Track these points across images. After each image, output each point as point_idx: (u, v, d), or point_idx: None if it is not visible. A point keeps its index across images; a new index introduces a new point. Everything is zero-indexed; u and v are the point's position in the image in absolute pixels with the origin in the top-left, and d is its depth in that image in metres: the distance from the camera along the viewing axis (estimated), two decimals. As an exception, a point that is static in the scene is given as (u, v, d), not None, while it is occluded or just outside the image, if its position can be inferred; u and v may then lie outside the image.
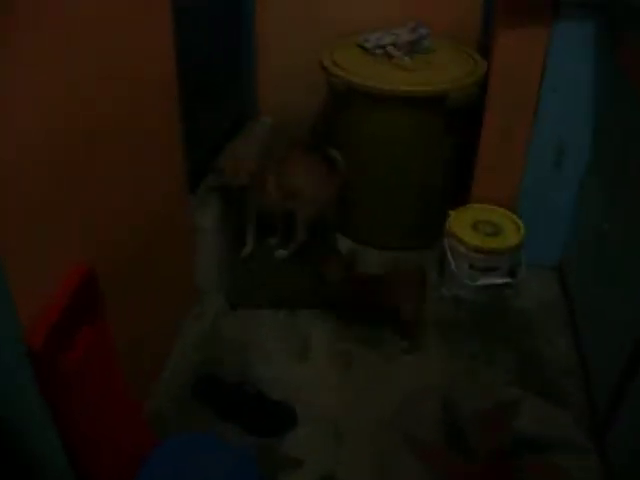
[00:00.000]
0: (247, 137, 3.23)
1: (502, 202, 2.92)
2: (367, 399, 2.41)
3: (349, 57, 2.93)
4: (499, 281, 2.80)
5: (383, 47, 2.96)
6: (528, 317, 2.80)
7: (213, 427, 2.24)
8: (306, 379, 2.46)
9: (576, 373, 2.54)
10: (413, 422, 2.31)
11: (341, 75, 2.79)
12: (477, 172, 2.92)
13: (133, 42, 1.90)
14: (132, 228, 2.03)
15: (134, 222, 2.04)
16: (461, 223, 2.83)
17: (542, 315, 2.81)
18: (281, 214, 2.86)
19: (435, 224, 2.98)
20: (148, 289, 2.18)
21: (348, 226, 3.20)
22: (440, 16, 3.10)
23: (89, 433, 1.70)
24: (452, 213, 2.89)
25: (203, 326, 2.66)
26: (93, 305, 1.72)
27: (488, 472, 2.17)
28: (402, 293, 2.52)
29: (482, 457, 2.20)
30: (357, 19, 3.15)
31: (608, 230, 2.42)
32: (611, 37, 2.45)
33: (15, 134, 1.37)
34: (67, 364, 1.58)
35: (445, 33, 3.12)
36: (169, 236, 2.33)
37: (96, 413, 1.73)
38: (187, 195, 2.54)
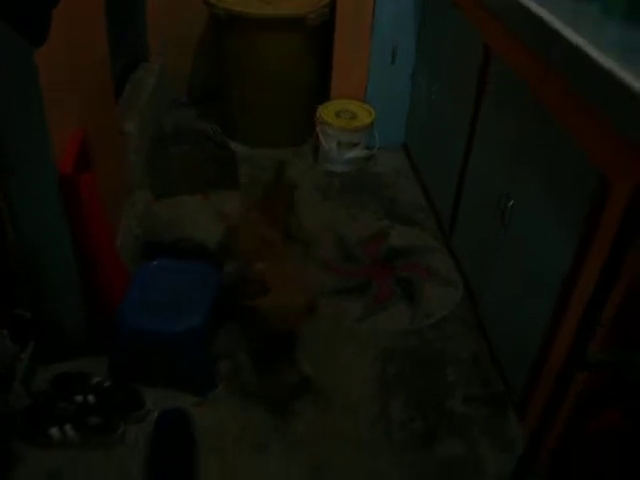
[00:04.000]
0: (137, 85, 3.74)
1: (355, 96, 3.79)
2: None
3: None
4: (360, 154, 3.67)
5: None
6: (386, 179, 3.70)
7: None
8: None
9: (426, 209, 3.46)
10: (318, 251, 3.13)
11: (221, 5, 3.53)
12: (334, 75, 3.78)
13: None
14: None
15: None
16: (327, 113, 3.68)
17: (396, 177, 3.73)
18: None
19: (308, 122, 3.82)
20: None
21: (238, 132, 3.95)
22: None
23: (94, 248, 2.39)
24: (320, 107, 3.73)
25: (138, 211, 3.32)
26: (88, 159, 2.41)
27: (373, 272, 3.03)
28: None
29: (368, 264, 3.06)
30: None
31: (434, 99, 3.34)
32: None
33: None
34: (84, 189, 2.27)
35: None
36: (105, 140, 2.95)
37: (97, 234, 2.42)
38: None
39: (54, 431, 2.26)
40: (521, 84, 2.24)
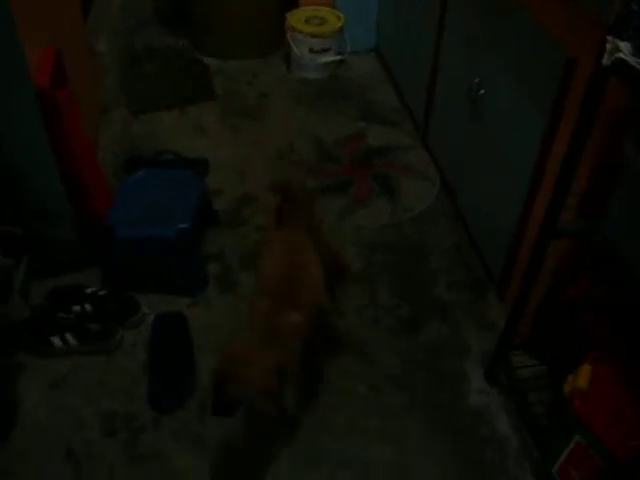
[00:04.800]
0: (104, 4, 3.64)
1: (324, 2, 3.77)
2: (257, 150, 3.25)
3: None
4: (332, 59, 3.69)
5: None
6: (359, 82, 3.73)
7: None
8: (208, 145, 3.24)
9: (401, 110, 3.51)
10: (295, 154, 3.18)
11: None
12: (301, -19, 3.75)
13: None
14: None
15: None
16: (297, 20, 3.67)
17: (369, 80, 3.75)
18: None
19: (278, 31, 3.81)
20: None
21: (208, 46, 3.93)
22: None
23: (77, 162, 2.42)
24: (288, 14, 3.72)
25: (115, 129, 3.34)
26: (64, 76, 2.43)
27: (351, 171, 3.09)
28: None
29: (346, 164, 3.12)
30: None
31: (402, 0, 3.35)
32: None
33: None
34: (62, 104, 2.29)
35: None
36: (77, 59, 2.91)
37: (79, 148, 2.44)
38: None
39: (55, 340, 2.34)
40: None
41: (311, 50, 3.60)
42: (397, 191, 2.94)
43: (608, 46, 1.36)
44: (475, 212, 2.61)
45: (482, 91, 2.36)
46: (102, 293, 2.46)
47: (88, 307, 2.40)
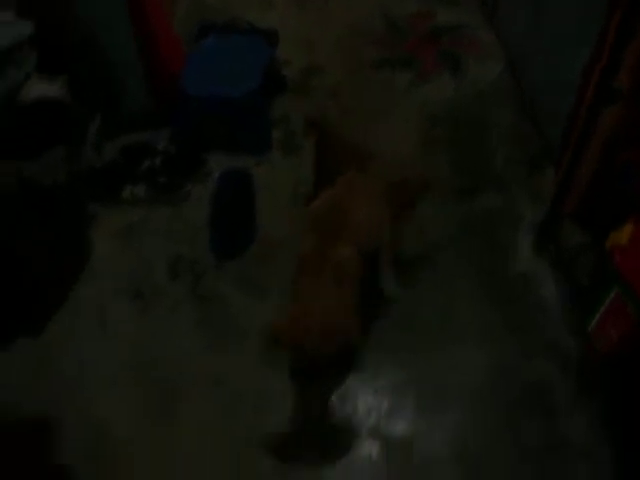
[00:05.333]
0: None
1: None
2: (324, 24, 3.28)
3: None
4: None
5: None
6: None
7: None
8: (277, 18, 3.27)
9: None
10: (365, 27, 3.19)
11: None
12: None
13: None
14: None
15: None
16: None
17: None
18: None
19: None
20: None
21: None
22: None
23: (151, 21, 2.51)
24: None
25: (189, 1, 3.39)
26: None
27: (418, 46, 3.10)
28: None
29: (413, 39, 3.13)
30: None
31: None
32: None
33: None
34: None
35: None
36: None
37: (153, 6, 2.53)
38: None
39: (126, 191, 2.49)
40: None
41: None
42: (462, 68, 2.95)
43: None
44: (537, 88, 2.62)
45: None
46: (172, 150, 2.58)
47: (158, 162, 2.54)
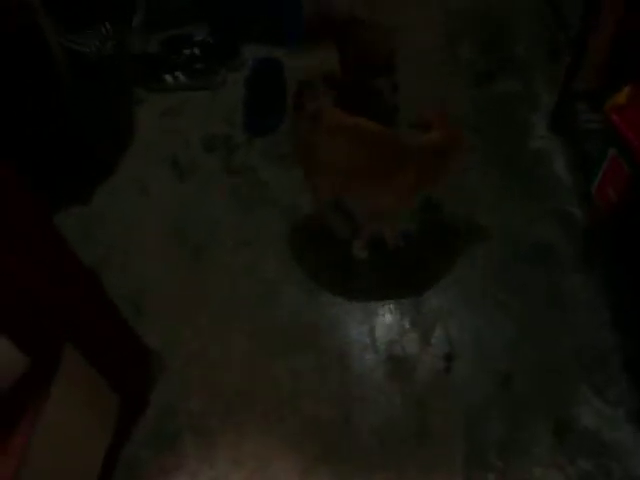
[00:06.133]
0: None
1: None
2: None
3: None
4: None
5: None
6: None
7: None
8: None
9: None
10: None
11: None
12: None
13: None
14: None
15: None
16: None
17: None
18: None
19: None
20: None
21: None
22: None
23: None
24: None
25: None
26: None
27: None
28: None
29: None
30: None
31: None
32: None
33: None
34: None
35: None
36: None
37: None
38: None
39: (167, 77, 2.68)
40: None
41: None
42: None
43: None
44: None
45: None
46: (210, 41, 2.75)
47: (197, 51, 2.71)
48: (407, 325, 1.99)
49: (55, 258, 1.39)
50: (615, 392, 1.81)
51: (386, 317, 2.03)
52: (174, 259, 2.19)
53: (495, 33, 2.77)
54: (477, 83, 2.60)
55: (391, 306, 2.05)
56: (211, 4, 2.78)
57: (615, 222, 2.01)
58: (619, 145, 1.87)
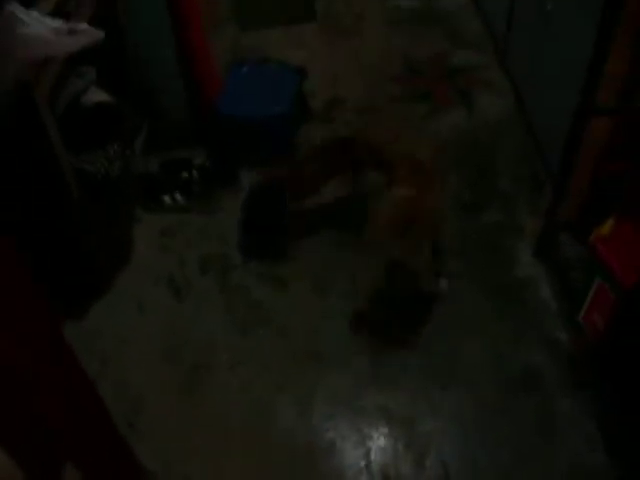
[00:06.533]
0: None
1: None
2: (349, 62, 3.60)
3: None
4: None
5: None
6: (448, 10, 3.98)
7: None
8: (306, 57, 3.57)
9: (485, 36, 3.76)
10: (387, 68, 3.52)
11: None
12: None
13: None
14: None
15: None
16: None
17: (458, 9, 4.01)
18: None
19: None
20: None
21: None
22: None
23: (194, 48, 2.83)
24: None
25: (226, 41, 3.72)
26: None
27: (434, 83, 3.41)
28: None
29: (429, 77, 3.45)
30: None
31: None
32: None
33: None
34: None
35: None
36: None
37: (196, 34, 2.86)
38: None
39: (166, 197, 2.78)
40: None
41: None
42: (475, 103, 3.23)
43: None
44: (543, 120, 2.87)
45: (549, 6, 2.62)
46: (208, 165, 2.88)
47: (195, 174, 2.83)
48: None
49: (70, 380, 1.41)
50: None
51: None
52: (169, 377, 2.22)
53: (481, 165, 2.91)
54: (463, 212, 2.70)
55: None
56: (209, 135, 2.90)
57: (602, 348, 2.08)
58: (605, 274, 1.97)
